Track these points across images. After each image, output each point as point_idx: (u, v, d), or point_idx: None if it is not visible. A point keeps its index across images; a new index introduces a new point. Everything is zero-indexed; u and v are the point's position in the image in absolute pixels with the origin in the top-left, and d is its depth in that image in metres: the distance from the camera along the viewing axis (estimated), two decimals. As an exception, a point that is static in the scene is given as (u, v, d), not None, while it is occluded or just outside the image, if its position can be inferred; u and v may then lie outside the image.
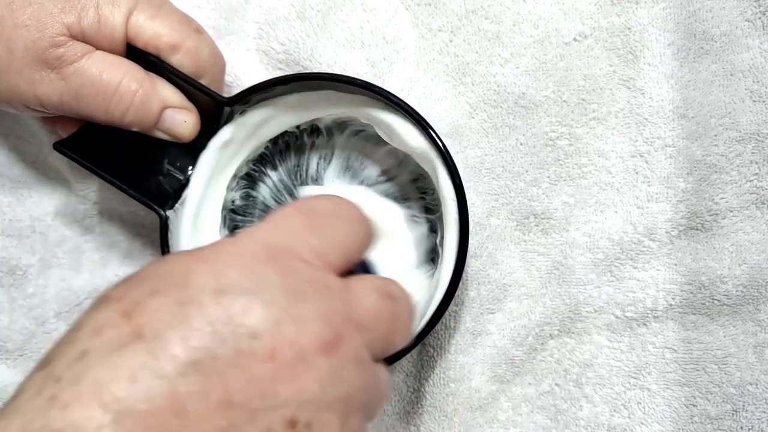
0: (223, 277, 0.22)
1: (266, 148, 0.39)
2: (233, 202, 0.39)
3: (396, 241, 0.38)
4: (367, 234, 0.27)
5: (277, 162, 0.40)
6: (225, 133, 0.36)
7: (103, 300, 0.22)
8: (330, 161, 0.40)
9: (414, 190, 0.39)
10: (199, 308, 0.21)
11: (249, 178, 0.40)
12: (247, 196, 0.40)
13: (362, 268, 0.28)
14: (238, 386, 0.21)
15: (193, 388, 0.20)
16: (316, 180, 0.40)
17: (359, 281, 0.26)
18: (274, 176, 0.40)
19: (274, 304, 0.22)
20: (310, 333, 0.22)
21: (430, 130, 0.34)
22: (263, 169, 0.40)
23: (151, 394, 0.20)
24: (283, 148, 0.40)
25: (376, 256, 0.33)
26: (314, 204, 0.26)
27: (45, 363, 0.21)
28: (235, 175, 0.39)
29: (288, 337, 0.22)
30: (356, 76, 0.38)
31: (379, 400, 0.26)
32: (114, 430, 0.20)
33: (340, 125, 0.39)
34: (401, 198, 0.39)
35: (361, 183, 0.39)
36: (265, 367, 0.21)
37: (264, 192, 0.40)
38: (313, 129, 0.39)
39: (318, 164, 0.40)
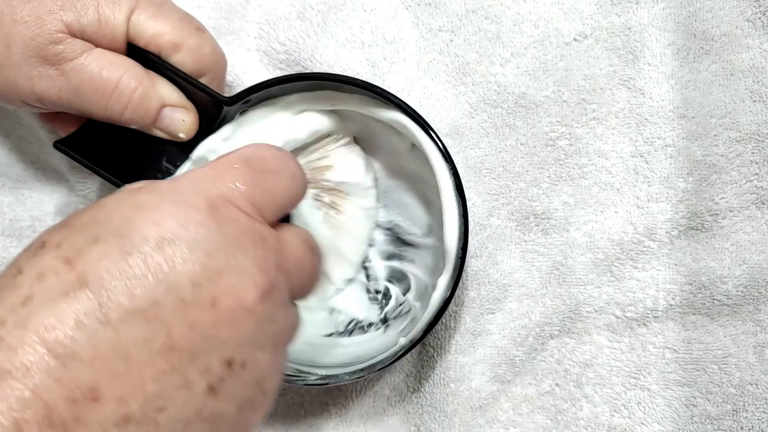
0: (165, 227, 0.23)
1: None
2: None
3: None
4: (303, 190, 0.29)
5: None
6: (225, 133, 0.36)
7: (41, 245, 0.23)
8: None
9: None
10: (141, 258, 0.22)
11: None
12: None
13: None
14: (180, 332, 0.22)
15: (136, 335, 0.22)
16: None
17: (288, 232, 0.27)
18: None
19: (215, 254, 0.23)
20: (249, 282, 0.24)
21: (431, 131, 0.34)
22: None
23: (96, 340, 0.21)
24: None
25: None
26: (261, 157, 0.27)
27: None
28: None
29: (228, 286, 0.23)
30: (357, 76, 0.38)
31: (295, 334, 0.28)
32: (61, 373, 0.21)
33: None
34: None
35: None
36: (207, 314, 0.23)
37: None
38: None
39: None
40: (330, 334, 0.39)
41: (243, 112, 0.36)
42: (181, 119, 0.34)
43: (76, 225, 0.24)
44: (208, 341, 0.23)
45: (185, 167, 0.36)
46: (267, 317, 0.24)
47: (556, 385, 0.40)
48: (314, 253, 0.28)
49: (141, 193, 0.24)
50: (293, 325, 0.27)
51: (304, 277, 0.28)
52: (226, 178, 0.26)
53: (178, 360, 0.22)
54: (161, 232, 0.23)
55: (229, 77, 0.40)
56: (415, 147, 0.37)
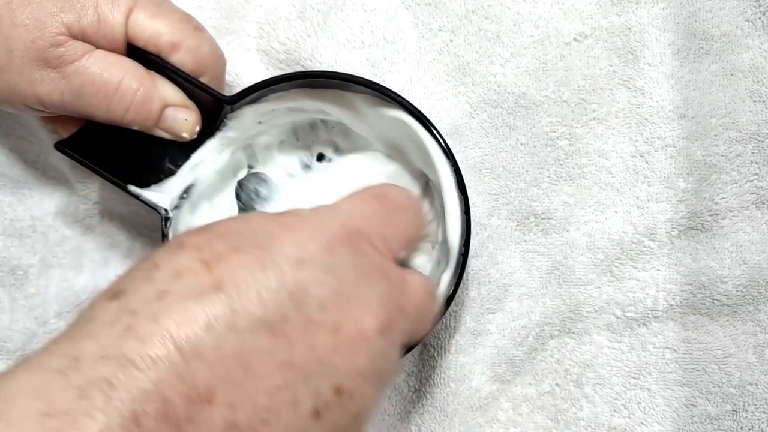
0: (305, 248, 0.24)
1: (266, 147, 0.39)
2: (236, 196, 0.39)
3: None
4: (423, 227, 0.30)
5: (277, 162, 0.40)
6: (225, 132, 0.36)
7: (179, 245, 0.24)
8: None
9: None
10: (279, 273, 0.23)
11: (249, 177, 0.40)
12: (248, 196, 0.40)
13: None
14: (301, 351, 0.23)
15: (260, 346, 0.22)
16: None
17: (413, 275, 0.28)
18: (273, 176, 0.40)
19: (346, 282, 0.24)
20: (372, 314, 0.24)
21: (432, 128, 0.34)
22: (263, 169, 0.40)
23: (222, 344, 0.22)
24: (283, 148, 0.40)
25: None
26: (389, 194, 0.29)
27: (116, 294, 0.23)
28: (235, 175, 0.39)
29: (353, 315, 0.24)
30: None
31: (395, 377, 0.29)
32: (184, 371, 0.21)
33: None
34: None
35: None
36: (329, 339, 0.23)
37: (264, 192, 0.40)
38: (312, 127, 0.39)
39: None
40: None
41: (243, 111, 0.36)
42: (183, 119, 0.34)
43: (219, 232, 0.24)
44: (324, 365, 0.23)
45: (186, 167, 0.36)
46: (381, 352, 0.25)
47: (556, 385, 0.40)
48: (434, 301, 0.29)
49: (286, 215, 0.25)
50: (397, 368, 0.27)
51: (420, 322, 0.28)
52: (362, 213, 0.27)
53: (292, 378, 0.22)
54: (301, 252, 0.24)
55: (229, 77, 0.40)
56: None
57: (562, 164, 0.40)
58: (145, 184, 0.35)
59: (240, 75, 0.40)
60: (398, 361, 0.26)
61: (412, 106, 0.34)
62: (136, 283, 0.23)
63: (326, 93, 0.36)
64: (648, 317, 0.39)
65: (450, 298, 0.34)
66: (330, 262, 0.24)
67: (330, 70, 0.39)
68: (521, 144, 0.40)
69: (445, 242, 0.35)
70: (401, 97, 0.34)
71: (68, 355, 0.21)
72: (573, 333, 0.40)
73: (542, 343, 0.40)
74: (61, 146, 0.34)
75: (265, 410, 0.22)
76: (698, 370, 0.39)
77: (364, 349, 0.24)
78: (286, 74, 0.35)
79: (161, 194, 0.35)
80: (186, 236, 0.24)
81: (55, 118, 0.35)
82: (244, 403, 0.22)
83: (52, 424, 0.19)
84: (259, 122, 0.37)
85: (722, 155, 0.38)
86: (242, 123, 0.36)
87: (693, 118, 0.39)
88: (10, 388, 0.20)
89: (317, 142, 0.40)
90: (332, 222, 0.26)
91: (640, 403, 0.39)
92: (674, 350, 0.39)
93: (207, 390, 0.21)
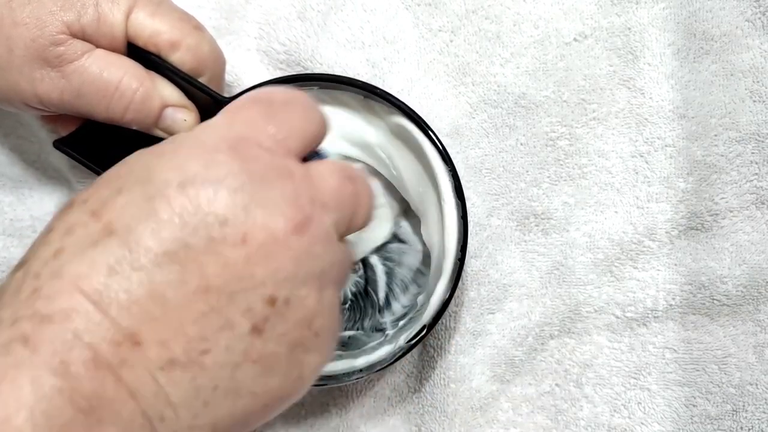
0: (186, 169, 0.23)
1: None
2: None
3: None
4: (322, 121, 0.28)
5: None
6: None
7: (70, 204, 0.23)
8: None
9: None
10: (166, 201, 0.22)
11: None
12: None
13: (317, 156, 0.29)
14: (214, 271, 0.22)
15: (170, 277, 0.22)
16: None
17: (319, 165, 0.27)
18: None
19: (240, 191, 0.23)
20: (279, 215, 0.23)
21: (431, 133, 0.34)
22: None
23: (131, 285, 0.21)
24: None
25: None
26: (269, 93, 0.27)
27: (20, 264, 0.23)
28: None
29: (257, 221, 0.23)
30: (356, 77, 0.38)
31: (347, 273, 0.27)
32: (101, 318, 0.21)
33: None
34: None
35: None
36: (239, 251, 0.22)
37: None
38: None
39: None
40: None
41: None
42: (182, 119, 0.34)
43: (101, 182, 0.24)
44: (244, 280, 0.22)
45: None
46: (306, 252, 0.24)
47: (556, 385, 0.40)
48: (354, 181, 0.27)
49: (160, 145, 0.25)
50: (341, 262, 0.26)
51: (347, 207, 0.26)
52: (242, 119, 0.25)
53: (216, 300, 0.22)
54: (183, 174, 0.23)
55: (229, 77, 0.40)
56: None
57: (562, 164, 0.40)
58: None
59: (240, 75, 0.40)
60: (336, 256, 0.25)
61: (412, 110, 0.34)
62: (35, 249, 0.23)
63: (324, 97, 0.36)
64: (648, 317, 0.39)
65: (447, 303, 0.34)
66: (216, 175, 0.23)
67: (329, 72, 0.39)
68: (521, 144, 0.40)
69: (442, 246, 0.35)
70: (401, 101, 0.34)
71: None
72: (573, 333, 0.40)
73: (542, 344, 0.40)
74: (59, 144, 0.34)
75: (199, 339, 0.22)
76: (698, 370, 0.39)
77: (281, 252, 0.23)
78: (284, 76, 0.35)
79: None
80: (75, 196, 0.24)
81: (55, 117, 0.35)
82: (174, 337, 0.21)
83: None
84: None
85: (722, 155, 0.38)
86: None
87: (693, 118, 0.39)
88: None
89: None
90: (210, 137, 0.24)
91: (640, 403, 0.39)
92: (674, 350, 0.39)
93: (130, 332, 0.21)
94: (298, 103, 0.27)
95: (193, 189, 0.23)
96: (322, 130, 0.28)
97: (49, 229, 0.23)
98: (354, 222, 0.27)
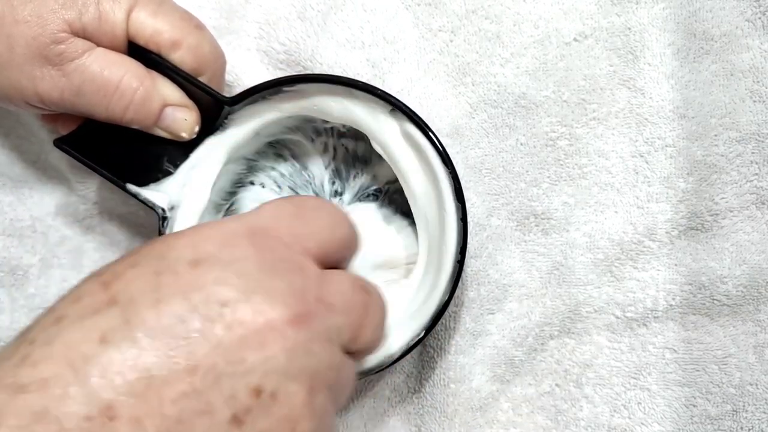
0: (201, 249, 0.23)
1: (266, 146, 0.39)
2: (232, 203, 0.39)
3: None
4: (349, 236, 0.28)
5: (275, 163, 0.40)
6: (224, 133, 0.36)
7: (87, 276, 0.23)
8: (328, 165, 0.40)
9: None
10: (173, 276, 0.22)
11: (247, 178, 0.40)
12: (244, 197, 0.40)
13: None
14: (203, 351, 0.21)
15: (158, 352, 0.21)
16: (313, 180, 0.40)
17: (335, 272, 0.26)
18: (271, 177, 0.40)
19: (247, 276, 0.23)
20: (281, 304, 0.23)
21: (430, 133, 0.34)
22: (261, 169, 0.40)
23: (118, 356, 0.21)
24: (282, 149, 0.40)
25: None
26: (303, 198, 0.28)
27: (25, 331, 0.22)
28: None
29: (257, 307, 0.23)
30: (356, 77, 0.38)
31: (345, 388, 0.26)
32: (79, 388, 0.20)
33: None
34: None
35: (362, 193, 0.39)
36: (233, 333, 0.22)
37: (262, 193, 0.40)
38: (314, 130, 0.39)
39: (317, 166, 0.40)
40: None
41: (243, 112, 0.36)
42: (183, 119, 0.34)
43: (123, 257, 0.24)
44: (233, 363, 0.22)
45: (185, 167, 0.36)
46: (301, 347, 0.23)
47: (556, 385, 0.40)
48: (368, 293, 0.27)
49: (186, 228, 0.25)
50: (339, 369, 0.25)
51: (354, 315, 0.26)
52: (270, 213, 0.26)
53: (200, 381, 0.21)
54: (197, 253, 0.23)
55: (229, 77, 0.40)
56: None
57: (562, 164, 0.40)
58: (143, 183, 0.35)
59: (240, 75, 0.40)
60: (334, 360, 0.24)
61: (412, 111, 0.34)
62: (41, 316, 0.22)
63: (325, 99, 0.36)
64: (648, 317, 0.39)
65: (446, 304, 0.34)
66: (229, 259, 0.23)
67: (329, 72, 0.39)
68: (521, 144, 0.40)
69: (441, 248, 0.35)
70: (401, 102, 0.34)
71: None
72: (573, 333, 0.40)
73: (542, 344, 0.40)
74: (60, 143, 0.34)
75: (175, 422, 0.21)
76: (698, 371, 0.39)
77: (275, 341, 0.22)
78: (284, 77, 0.35)
79: (159, 194, 0.35)
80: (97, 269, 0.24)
81: (56, 116, 0.35)
82: (150, 415, 0.20)
83: None
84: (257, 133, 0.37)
85: (722, 155, 0.38)
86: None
87: (693, 118, 0.39)
88: None
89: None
90: (234, 223, 0.25)
91: (640, 403, 0.39)
92: (674, 350, 0.39)
93: (106, 405, 0.20)
94: (326, 211, 0.28)
95: (202, 268, 0.23)
96: (346, 244, 0.28)
97: (60, 298, 0.23)
98: (361, 334, 0.27)
